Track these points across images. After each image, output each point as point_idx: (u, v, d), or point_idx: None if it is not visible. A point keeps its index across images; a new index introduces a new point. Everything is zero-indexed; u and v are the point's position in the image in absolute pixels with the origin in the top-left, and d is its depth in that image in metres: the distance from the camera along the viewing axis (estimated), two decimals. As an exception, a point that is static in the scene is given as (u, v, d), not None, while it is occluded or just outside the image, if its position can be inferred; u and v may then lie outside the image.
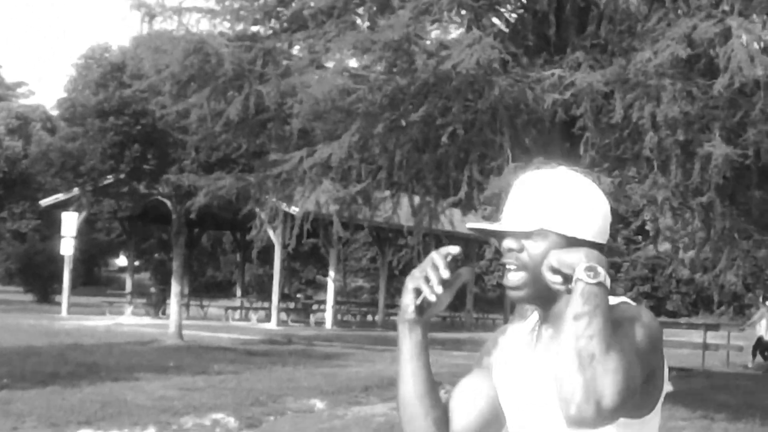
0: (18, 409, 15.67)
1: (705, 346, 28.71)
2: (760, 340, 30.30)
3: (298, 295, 51.60)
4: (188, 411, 16.65)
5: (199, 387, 19.03)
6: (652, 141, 15.56)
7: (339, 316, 42.71)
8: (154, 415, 16.19)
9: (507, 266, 2.46)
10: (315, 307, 44.02)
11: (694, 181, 15.64)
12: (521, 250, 2.43)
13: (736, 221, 18.02)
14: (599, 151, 17.13)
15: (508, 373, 2.58)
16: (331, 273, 40.98)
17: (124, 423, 15.51)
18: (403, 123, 17.52)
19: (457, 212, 22.91)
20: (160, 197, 29.92)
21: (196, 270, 62.87)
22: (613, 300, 2.37)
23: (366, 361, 25.63)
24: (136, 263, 55.46)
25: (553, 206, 2.42)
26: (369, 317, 45.59)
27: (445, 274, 2.44)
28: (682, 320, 41.98)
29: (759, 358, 30.35)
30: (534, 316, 2.61)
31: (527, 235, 2.42)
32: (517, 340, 2.63)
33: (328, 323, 40.03)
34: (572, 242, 2.40)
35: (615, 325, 2.25)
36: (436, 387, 2.59)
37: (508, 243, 2.44)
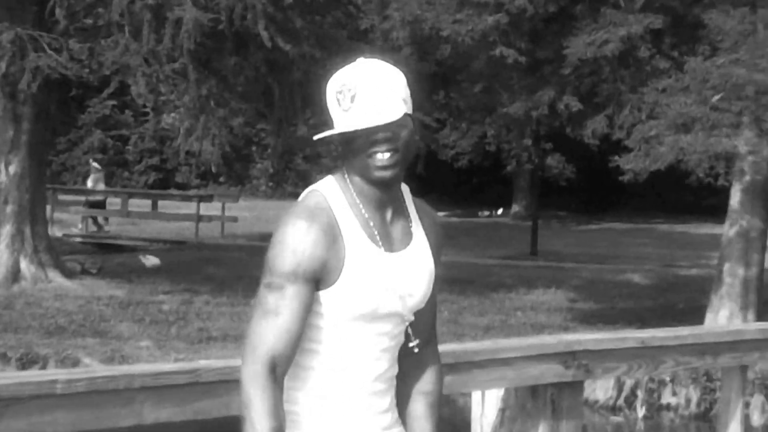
0: None
1: (198, 218, 28.34)
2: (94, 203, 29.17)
3: None
4: None
5: None
6: (122, 5, 15.10)
7: None
8: None
9: (383, 153, 2.72)
10: None
11: (165, 47, 15.33)
12: (395, 136, 2.73)
13: (212, 88, 17.84)
14: (72, 17, 16.43)
15: (375, 266, 2.78)
16: None
17: None
18: None
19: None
20: None
21: None
22: None
23: None
24: None
25: (405, 92, 2.77)
26: None
27: None
28: (191, 192, 41.91)
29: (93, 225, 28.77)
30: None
31: (398, 123, 2.72)
32: (354, 231, 2.78)
33: None
34: (412, 121, 2.78)
35: None
36: None
37: (384, 134, 2.71)
